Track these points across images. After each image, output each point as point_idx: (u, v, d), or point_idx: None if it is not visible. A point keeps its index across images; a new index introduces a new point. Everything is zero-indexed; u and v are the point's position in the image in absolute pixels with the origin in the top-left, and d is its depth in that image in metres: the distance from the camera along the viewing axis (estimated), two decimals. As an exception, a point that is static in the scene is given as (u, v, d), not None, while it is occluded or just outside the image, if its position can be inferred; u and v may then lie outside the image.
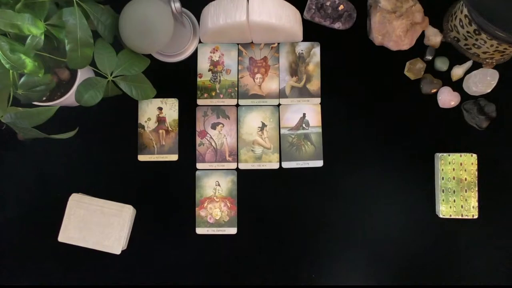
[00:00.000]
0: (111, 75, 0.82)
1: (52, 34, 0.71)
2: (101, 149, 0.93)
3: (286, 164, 0.93)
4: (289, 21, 0.87)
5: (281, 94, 0.95)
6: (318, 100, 0.94)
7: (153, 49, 0.87)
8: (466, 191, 0.89)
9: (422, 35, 0.93)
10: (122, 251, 0.88)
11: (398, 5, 0.89)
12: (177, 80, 0.95)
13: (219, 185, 0.93)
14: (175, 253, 0.91)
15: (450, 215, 0.89)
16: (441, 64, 0.93)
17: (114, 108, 0.92)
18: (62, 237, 0.87)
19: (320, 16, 0.93)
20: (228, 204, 0.92)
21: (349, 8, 0.93)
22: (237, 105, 0.95)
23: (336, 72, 0.95)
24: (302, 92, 0.94)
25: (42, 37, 0.67)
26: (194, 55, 0.95)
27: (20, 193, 0.93)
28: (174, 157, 0.93)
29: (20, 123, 0.73)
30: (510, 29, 0.77)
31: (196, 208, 0.92)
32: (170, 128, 0.94)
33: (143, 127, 0.94)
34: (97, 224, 0.87)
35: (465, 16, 0.85)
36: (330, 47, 0.95)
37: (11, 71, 0.69)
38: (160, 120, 0.94)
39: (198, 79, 0.95)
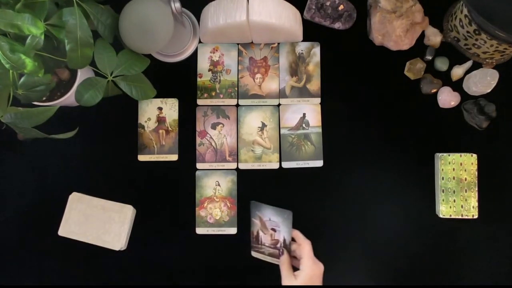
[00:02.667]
0: (111, 75, 0.82)
1: (52, 34, 0.71)
2: (101, 149, 0.93)
3: (286, 164, 0.93)
4: (289, 21, 0.87)
5: (281, 94, 0.95)
6: (318, 100, 0.94)
7: (153, 49, 0.87)
8: (466, 191, 0.89)
9: (422, 35, 0.93)
10: (122, 251, 0.88)
11: (398, 5, 0.89)
12: (177, 80, 0.95)
13: (219, 185, 0.93)
14: (175, 253, 0.91)
15: (450, 215, 0.89)
16: (441, 64, 0.93)
17: (114, 108, 0.92)
18: (63, 231, 0.87)
19: (320, 16, 0.93)
20: (228, 204, 0.92)
21: (349, 8, 0.93)
22: (237, 105, 0.95)
23: (336, 72, 0.95)
24: (302, 92, 0.94)
25: (42, 37, 0.67)
26: (194, 55, 0.95)
27: (20, 193, 0.93)
28: (174, 157, 0.93)
29: (20, 123, 0.73)
30: (510, 29, 0.77)
31: (196, 208, 0.92)
32: (170, 128, 0.94)
33: (143, 127, 0.94)
34: (98, 219, 0.87)
35: (465, 16, 0.85)
36: (330, 47, 0.95)
37: (11, 71, 0.69)
38: (160, 120, 0.94)
39: (198, 79, 0.95)
